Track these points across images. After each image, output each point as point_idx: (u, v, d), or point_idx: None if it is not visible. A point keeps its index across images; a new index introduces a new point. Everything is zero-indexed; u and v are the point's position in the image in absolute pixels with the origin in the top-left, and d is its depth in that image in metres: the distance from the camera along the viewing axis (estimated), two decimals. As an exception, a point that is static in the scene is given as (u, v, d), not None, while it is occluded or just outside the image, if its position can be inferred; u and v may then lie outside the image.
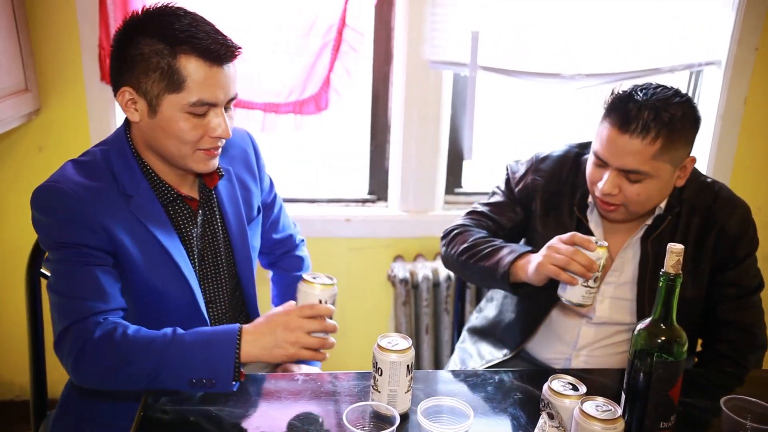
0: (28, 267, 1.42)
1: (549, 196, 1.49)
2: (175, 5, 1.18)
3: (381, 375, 1.10)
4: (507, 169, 1.58)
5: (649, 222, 1.42)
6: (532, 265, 1.31)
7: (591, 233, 1.44)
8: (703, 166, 2.36)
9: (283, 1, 2.03)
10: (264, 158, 1.49)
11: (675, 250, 1.01)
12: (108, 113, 2.08)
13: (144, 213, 1.21)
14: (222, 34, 1.17)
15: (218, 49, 1.14)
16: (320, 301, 1.17)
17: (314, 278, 1.20)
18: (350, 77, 2.12)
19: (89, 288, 1.14)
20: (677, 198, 1.41)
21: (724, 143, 2.33)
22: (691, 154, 1.34)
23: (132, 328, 1.13)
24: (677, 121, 1.25)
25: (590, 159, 1.37)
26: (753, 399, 1.07)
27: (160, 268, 1.23)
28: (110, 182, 1.20)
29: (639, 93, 1.27)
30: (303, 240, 1.66)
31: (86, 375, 1.13)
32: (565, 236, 1.27)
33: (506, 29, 2.12)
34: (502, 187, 1.58)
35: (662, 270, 1.02)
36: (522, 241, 1.58)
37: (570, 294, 1.27)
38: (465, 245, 1.48)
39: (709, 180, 1.46)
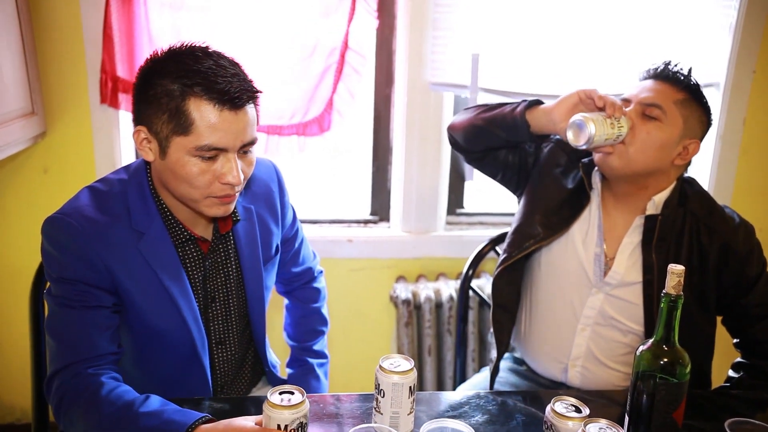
0: (32, 289, 1.43)
1: (560, 150, 1.55)
2: (201, 44, 1.13)
3: (383, 397, 1.10)
4: None
5: (642, 215, 1.43)
6: (561, 97, 1.43)
7: (587, 197, 1.49)
8: (703, 186, 2.37)
9: (286, 25, 2.06)
10: (288, 190, 1.45)
11: (676, 271, 1.01)
12: (113, 136, 2.10)
13: (152, 253, 1.19)
14: (240, 77, 1.12)
15: (231, 92, 1.08)
16: (281, 427, 0.99)
17: (281, 397, 1.02)
18: (353, 99, 2.14)
19: (78, 336, 1.14)
20: (676, 205, 1.42)
21: (724, 164, 2.34)
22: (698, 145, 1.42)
23: (106, 388, 1.10)
24: (701, 93, 1.41)
25: None
26: (757, 422, 1.06)
27: (161, 310, 1.22)
28: (122, 217, 1.18)
29: (674, 63, 1.44)
30: (321, 271, 1.64)
31: (63, 426, 1.14)
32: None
33: (506, 51, 2.14)
34: None
35: (663, 291, 1.02)
36: (519, 201, 1.64)
37: (591, 115, 1.33)
38: (482, 105, 1.59)
39: (714, 200, 1.48)
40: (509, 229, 1.62)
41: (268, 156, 2.14)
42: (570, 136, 1.36)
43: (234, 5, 2.03)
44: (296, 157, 2.21)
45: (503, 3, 2.10)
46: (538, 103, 1.47)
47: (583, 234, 1.49)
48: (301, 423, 1.01)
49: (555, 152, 1.57)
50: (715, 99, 2.31)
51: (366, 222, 2.40)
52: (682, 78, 1.40)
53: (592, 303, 1.47)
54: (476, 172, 2.29)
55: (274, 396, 1.02)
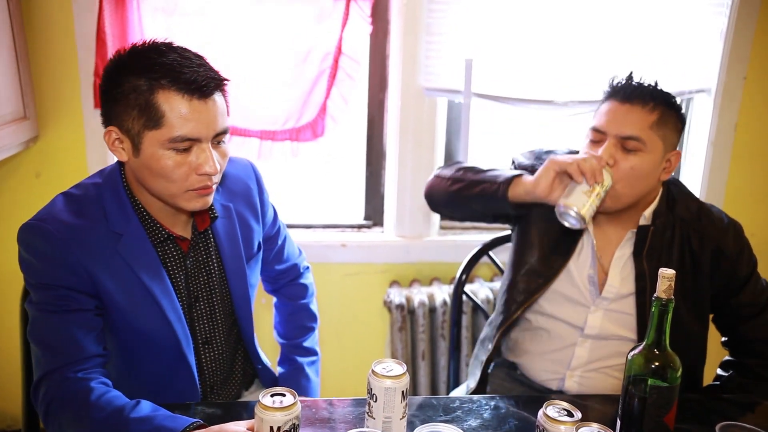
0: (22, 296, 1.42)
1: None
2: (163, 40, 1.15)
3: (376, 401, 1.10)
4: (513, 161, 1.62)
5: (634, 229, 1.44)
6: (540, 170, 1.39)
7: (580, 231, 1.47)
8: (695, 192, 2.38)
9: (280, 30, 2.06)
10: (267, 189, 1.46)
11: (666, 275, 1.01)
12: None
13: (131, 254, 1.19)
14: (206, 66, 1.13)
15: (198, 81, 1.10)
16: (273, 429, 0.99)
17: (273, 399, 1.02)
18: (346, 104, 2.15)
19: (62, 339, 1.13)
20: (665, 212, 1.43)
21: (716, 169, 2.35)
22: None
23: (95, 393, 1.10)
24: (672, 102, 1.38)
25: (585, 140, 1.42)
26: (748, 426, 1.06)
27: (144, 310, 1.21)
28: (99, 220, 1.18)
29: (638, 76, 1.41)
30: (308, 267, 1.63)
31: (52, 430, 1.13)
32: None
33: (500, 57, 2.15)
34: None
35: (654, 295, 1.02)
36: (514, 232, 1.62)
37: (573, 198, 1.32)
38: (465, 166, 1.56)
39: (700, 200, 1.49)
40: (506, 277, 1.58)
41: (262, 161, 2.15)
42: (565, 224, 1.37)
43: (227, 10, 2.03)
44: (290, 161, 2.21)
45: (497, 8, 2.11)
46: (517, 176, 1.44)
47: (576, 256, 1.49)
48: (294, 425, 1.01)
49: None
50: (706, 105, 2.33)
51: (360, 227, 2.40)
52: (652, 95, 1.36)
53: (593, 321, 1.47)
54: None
55: (265, 398, 1.02)
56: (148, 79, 1.09)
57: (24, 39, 1.94)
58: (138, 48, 1.13)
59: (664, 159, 1.39)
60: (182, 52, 1.13)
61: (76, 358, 1.13)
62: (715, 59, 2.26)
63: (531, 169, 1.52)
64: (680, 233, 1.42)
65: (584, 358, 1.49)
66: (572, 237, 1.49)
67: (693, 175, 2.40)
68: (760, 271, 1.47)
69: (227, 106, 1.19)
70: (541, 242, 1.51)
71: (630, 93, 1.37)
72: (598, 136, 1.39)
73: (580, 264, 1.49)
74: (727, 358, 1.52)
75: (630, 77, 1.40)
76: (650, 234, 1.42)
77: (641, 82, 1.39)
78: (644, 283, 1.41)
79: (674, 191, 1.47)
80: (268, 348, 1.58)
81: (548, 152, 1.57)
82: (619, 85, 1.40)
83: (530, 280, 1.51)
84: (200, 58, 1.15)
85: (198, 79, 1.10)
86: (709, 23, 2.22)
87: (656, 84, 1.39)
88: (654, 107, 1.35)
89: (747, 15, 2.21)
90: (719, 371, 1.52)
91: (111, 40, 1.96)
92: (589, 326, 1.48)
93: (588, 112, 2.23)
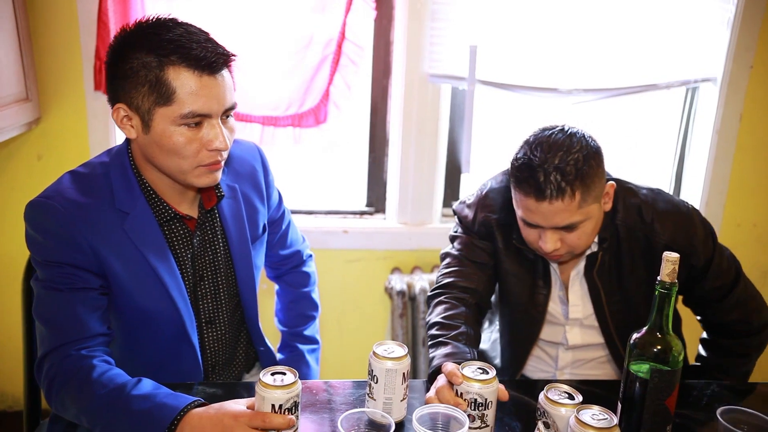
0: (24, 277, 1.42)
1: (505, 229, 1.45)
2: (168, 17, 1.15)
3: (376, 383, 1.10)
4: (456, 214, 1.55)
5: (586, 253, 1.41)
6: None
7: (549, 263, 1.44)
8: (698, 182, 2.37)
9: (282, 15, 2.05)
10: (273, 173, 1.46)
11: (671, 258, 1.01)
12: (107, 123, 2.09)
13: (137, 233, 1.19)
14: (213, 42, 1.13)
15: (207, 57, 1.10)
16: (275, 407, 1.00)
17: (274, 378, 1.02)
18: (349, 90, 2.13)
19: (66, 317, 1.14)
20: (609, 226, 1.38)
21: (720, 159, 2.34)
22: (607, 181, 1.33)
23: (97, 371, 1.10)
24: (582, 167, 1.24)
25: (520, 221, 1.35)
26: (749, 410, 1.07)
27: (149, 289, 1.21)
28: (106, 198, 1.18)
29: (536, 157, 1.25)
30: (311, 255, 1.63)
31: (54, 408, 1.14)
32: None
33: (504, 44, 2.14)
34: (460, 230, 1.53)
35: (658, 278, 1.02)
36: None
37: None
38: (431, 322, 1.40)
39: (643, 191, 1.41)
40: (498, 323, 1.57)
41: (264, 147, 2.13)
42: None
43: (231, -7, 2.02)
44: (292, 147, 2.20)
45: (501, -5, 2.10)
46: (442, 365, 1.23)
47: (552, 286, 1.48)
48: (294, 402, 1.01)
49: (503, 231, 1.46)
50: (712, 94, 2.31)
51: (362, 213, 2.39)
52: (562, 183, 1.23)
53: (572, 338, 1.48)
54: (472, 165, 2.30)
55: (266, 376, 1.02)
56: (157, 56, 1.09)
57: (26, 20, 1.93)
58: (143, 24, 1.13)
59: (602, 201, 1.33)
60: (188, 27, 1.14)
61: (80, 336, 1.14)
62: (722, 48, 2.24)
63: (477, 226, 1.48)
64: (627, 238, 1.38)
65: (569, 359, 1.51)
66: (545, 271, 1.45)
67: (697, 165, 2.39)
68: (759, 262, 1.46)
69: (233, 81, 1.19)
70: (521, 288, 1.46)
71: (541, 189, 1.24)
72: (532, 225, 1.32)
73: (553, 291, 1.48)
74: (704, 336, 1.54)
75: (529, 165, 1.25)
76: (599, 258, 1.39)
77: (543, 169, 1.23)
78: (600, 300, 1.41)
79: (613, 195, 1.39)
80: (268, 335, 1.58)
81: (487, 194, 1.48)
82: (521, 173, 1.26)
83: (523, 327, 1.49)
84: (205, 33, 1.15)
85: (207, 55, 1.10)
86: (716, 11, 2.20)
87: (560, 168, 1.23)
88: (572, 191, 1.23)
89: (754, 3, 2.19)
90: (700, 349, 1.53)
91: (113, 22, 1.95)
92: (571, 342, 1.48)
93: (592, 100, 2.22)
